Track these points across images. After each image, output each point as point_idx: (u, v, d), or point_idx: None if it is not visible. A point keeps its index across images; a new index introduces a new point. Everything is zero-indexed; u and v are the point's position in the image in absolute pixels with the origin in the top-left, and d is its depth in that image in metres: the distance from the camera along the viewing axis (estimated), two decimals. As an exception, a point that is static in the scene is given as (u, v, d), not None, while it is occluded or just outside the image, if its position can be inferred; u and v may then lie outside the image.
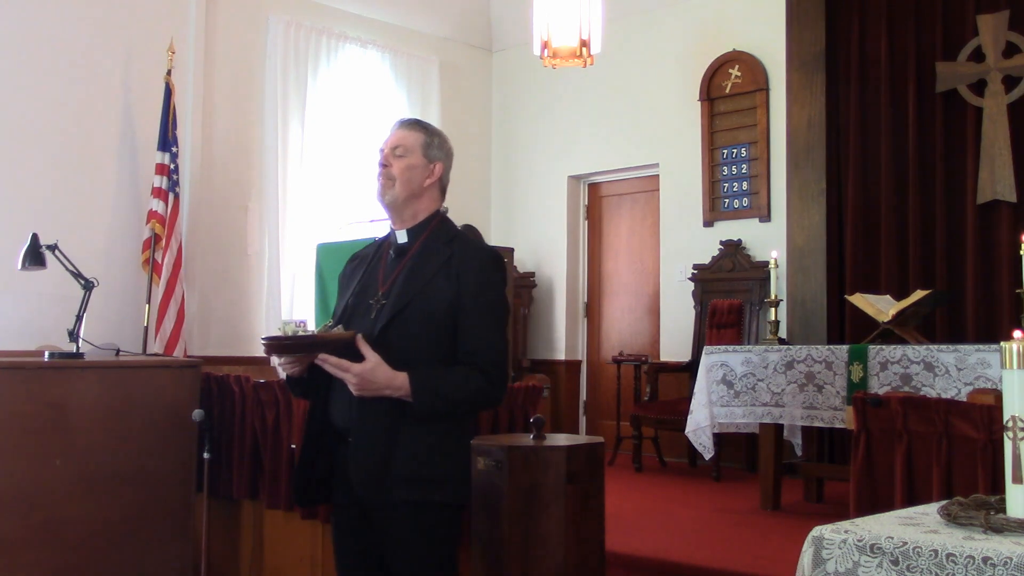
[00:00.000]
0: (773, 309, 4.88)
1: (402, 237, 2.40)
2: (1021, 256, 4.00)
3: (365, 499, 2.24)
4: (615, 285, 7.47)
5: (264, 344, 2.24)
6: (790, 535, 3.81)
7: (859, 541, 1.36)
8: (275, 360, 2.34)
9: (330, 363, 2.17)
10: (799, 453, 5.21)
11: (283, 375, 2.37)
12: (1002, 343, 1.43)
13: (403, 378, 2.19)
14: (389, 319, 2.26)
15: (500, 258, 2.42)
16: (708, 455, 4.70)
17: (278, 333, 2.24)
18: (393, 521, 2.25)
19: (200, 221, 6.07)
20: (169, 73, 5.69)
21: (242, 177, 6.34)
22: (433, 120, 7.29)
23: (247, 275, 6.34)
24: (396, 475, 2.20)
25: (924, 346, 4.08)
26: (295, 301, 6.36)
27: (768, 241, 6.22)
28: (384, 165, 2.37)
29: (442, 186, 2.45)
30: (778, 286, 5.04)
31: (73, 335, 3.79)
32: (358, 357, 2.20)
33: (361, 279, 2.42)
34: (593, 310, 7.58)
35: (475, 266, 2.33)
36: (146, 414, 3.81)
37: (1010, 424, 1.41)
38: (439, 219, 2.43)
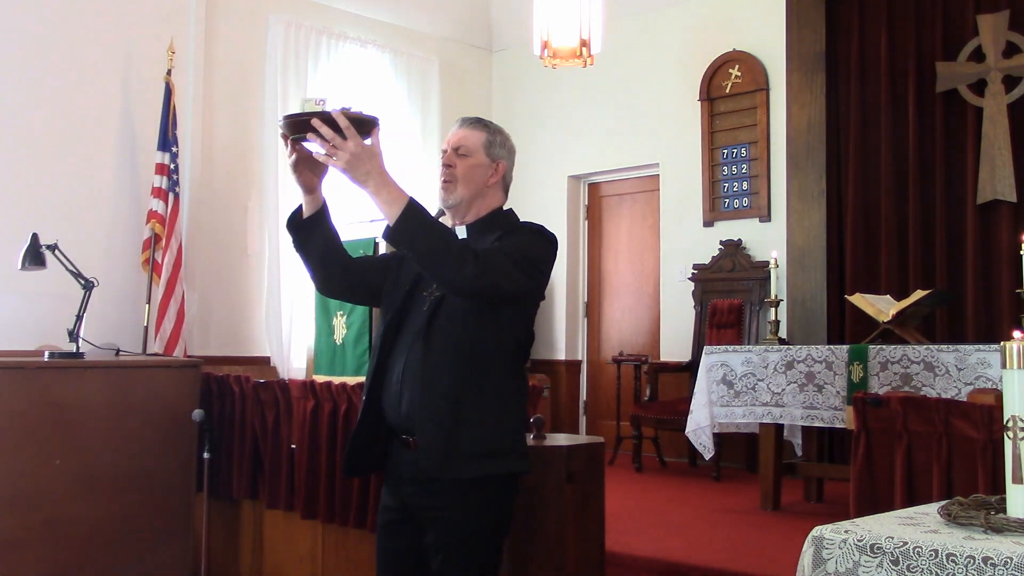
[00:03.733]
0: (773, 309, 4.88)
1: (461, 233, 2.36)
2: (1021, 256, 4.00)
3: (434, 478, 2.20)
4: (615, 285, 7.46)
5: (282, 123, 2.17)
6: (790, 535, 3.81)
7: (859, 541, 1.36)
8: (291, 160, 2.31)
9: (340, 123, 2.07)
10: (799, 453, 5.21)
11: (297, 181, 2.40)
12: (1002, 343, 1.43)
13: (401, 189, 2.10)
14: (435, 307, 2.23)
15: (550, 233, 2.33)
16: (708, 455, 4.70)
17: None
18: (456, 499, 2.21)
19: (200, 221, 6.06)
20: (169, 73, 5.69)
21: (242, 177, 6.33)
22: (433, 120, 7.31)
23: (247, 275, 6.35)
24: (465, 452, 2.17)
25: (924, 346, 4.07)
26: (295, 301, 6.36)
27: (768, 241, 6.22)
28: (448, 166, 2.35)
29: (505, 184, 2.42)
30: (778, 286, 5.04)
31: (73, 335, 3.79)
32: None
33: (417, 271, 2.35)
34: (593, 310, 7.58)
35: (517, 233, 2.29)
36: (146, 414, 3.81)
37: (1010, 424, 1.41)
38: (501, 213, 2.40)
